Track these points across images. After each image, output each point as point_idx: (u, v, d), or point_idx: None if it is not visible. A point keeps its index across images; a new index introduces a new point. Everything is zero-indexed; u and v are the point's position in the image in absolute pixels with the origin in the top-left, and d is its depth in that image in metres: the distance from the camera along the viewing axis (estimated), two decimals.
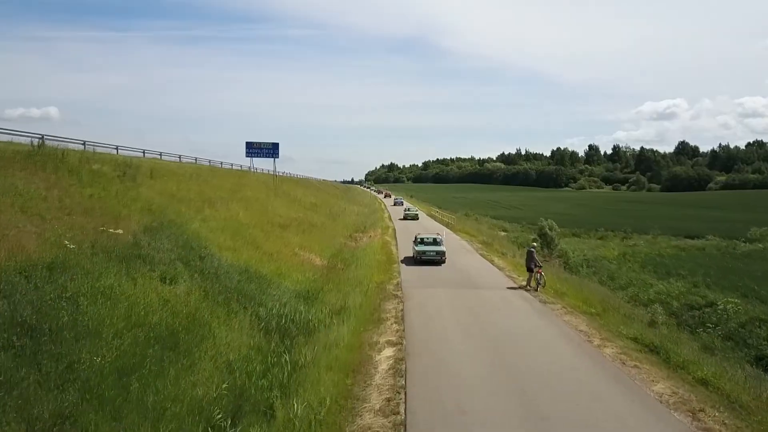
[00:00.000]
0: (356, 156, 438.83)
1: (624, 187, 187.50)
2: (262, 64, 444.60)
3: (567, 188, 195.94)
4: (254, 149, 46.82)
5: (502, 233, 44.89)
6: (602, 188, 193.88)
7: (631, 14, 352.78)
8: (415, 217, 50.72)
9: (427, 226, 41.82)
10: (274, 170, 49.06)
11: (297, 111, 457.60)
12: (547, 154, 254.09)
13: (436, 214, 51.63)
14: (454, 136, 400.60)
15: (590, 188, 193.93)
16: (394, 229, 39.49)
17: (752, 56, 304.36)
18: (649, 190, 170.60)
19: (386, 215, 56.01)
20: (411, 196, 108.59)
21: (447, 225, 42.32)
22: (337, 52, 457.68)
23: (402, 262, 23.84)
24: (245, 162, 48.84)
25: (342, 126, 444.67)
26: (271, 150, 46.93)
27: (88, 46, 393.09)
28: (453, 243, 29.75)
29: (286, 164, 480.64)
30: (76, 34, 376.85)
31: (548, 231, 30.42)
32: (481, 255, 25.59)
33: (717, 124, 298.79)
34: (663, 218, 54.31)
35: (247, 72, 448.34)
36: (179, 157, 36.30)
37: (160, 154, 36.16)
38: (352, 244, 32.53)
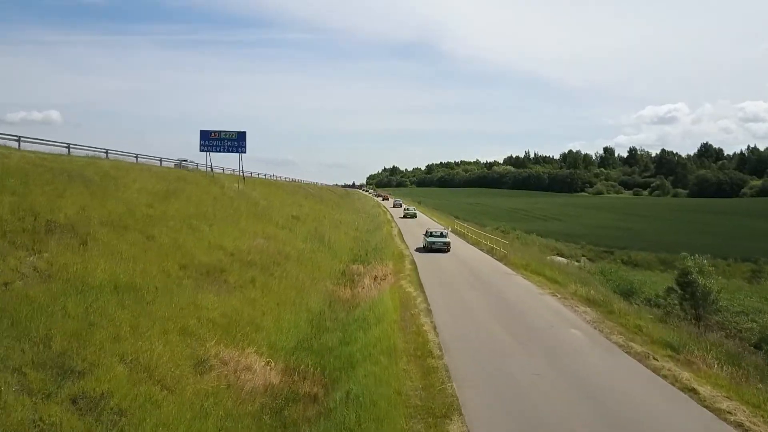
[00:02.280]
0: (358, 159, 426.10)
1: (645, 192, 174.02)
2: (264, 67, 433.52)
3: (583, 193, 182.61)
4: (212, 141, 33.32)
5: (575, 263, 31.21)
6: (621, 193, 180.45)
7: (631, 18, 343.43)
8: (414, 216, 59.10)
9: (425, 222, 46.79)
10: (240, 170, 35.48)
11: (298, 114, 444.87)
12: (553, 157, 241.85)
13: (467, 232, 37.55)
14: (454, 139, 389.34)
15: (608, 193, 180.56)
16: (414, 262, 25.35)
17: (753, 60, 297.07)
18: (675, 195, 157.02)
19: (395, 231, 42.33)
20: (419, 203, 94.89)
21: (491, 251, 28.59)
22: (340, 55, 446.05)
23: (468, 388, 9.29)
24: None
25: (343, 129, 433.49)
26: (235, 142, 33.42)
27: (90, 49, 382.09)
28: (533, 303, 16.11)
29: (286, 168, 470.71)
30: (78, 37, 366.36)
31: (697, 277, 16.63)
32: (625, 350, 11.29)
33: (718, 129, 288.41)
34: (762, 235, 41.02)
35: (249, 75, 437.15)
36: (68, 148, 22.80)
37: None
38: (346, 295, 18.94)
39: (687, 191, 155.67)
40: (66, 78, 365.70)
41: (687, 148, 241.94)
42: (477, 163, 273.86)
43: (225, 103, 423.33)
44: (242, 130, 33.58)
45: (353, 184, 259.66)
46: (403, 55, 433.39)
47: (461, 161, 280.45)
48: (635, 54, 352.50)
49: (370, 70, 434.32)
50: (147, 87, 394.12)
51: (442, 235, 31.07)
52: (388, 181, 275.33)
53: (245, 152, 33.66)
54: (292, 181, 77.56)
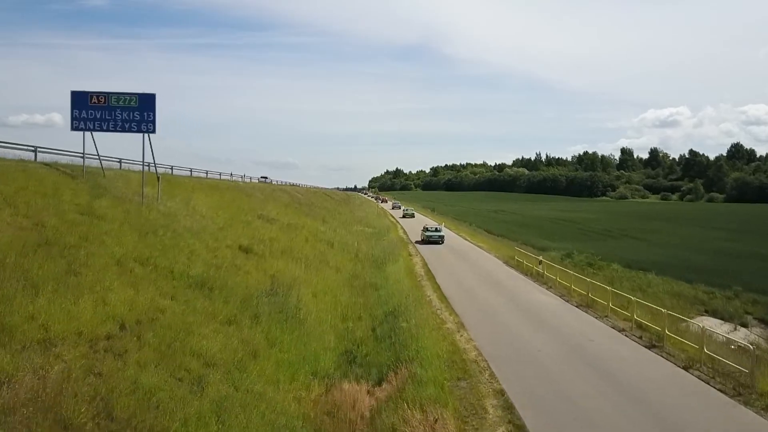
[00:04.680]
0: (360, 162, 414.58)
1: (674, 196, 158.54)
2: (267, 70, 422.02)
3: (604, 197, 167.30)
4: (93, 112, 18.22)
5: (743, 330, 16.08)
6: (647, 197, 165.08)
7: (633, 21, 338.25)
8: (412, 215, 67.04)
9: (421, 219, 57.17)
10: (145, 162, 20.20)
11: (301, 117, 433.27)
12: (566, 159, 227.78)
13: (554, 274, 21.70)
14: (456, 142, 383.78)
15: (633, 197, 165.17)
16: (513, 410, 9.34)
17: (755, 64, 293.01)
18: (711, 200, 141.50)
19: (418, 261, 27.00)
20: (433, 210, 79.85)
21: (656, 344, 12.65)
22: (342, 58, 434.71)
23: None
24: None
25: (345, 132, 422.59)
26: (135, 113, 18.36)
27: (93, 53, 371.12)
28: None
29: (288, 171, 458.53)
30: (81, 41, 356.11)
31: None
32: None
33: (720, 132, 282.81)
34: None
35: (252, 79, 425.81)
36: None
37: None
38: None
39: (724, 195, 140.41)
40: (69, 81, 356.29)
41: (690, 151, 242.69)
42: (485, 165, 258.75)
43: (228, 106, 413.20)
44: (148, 93, 18.53)
45: (354, 187, 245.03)
46: (405, 57, 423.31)
47: (467, 164, 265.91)
48: (637, 57, 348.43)
49: (372, 72, 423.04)
50: (149, 90, 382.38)
51: (437, 230, 38.12)
52: (392, 184, 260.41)
53: (154, 131, 18.60)
54: (291, 184, 62.73)
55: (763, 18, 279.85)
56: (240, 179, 44.20)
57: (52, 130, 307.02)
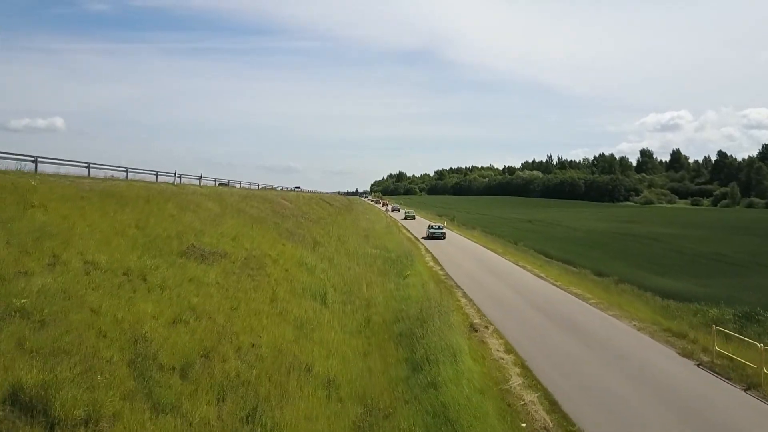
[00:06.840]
0: (362, 166, 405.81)
1: (706, 201, 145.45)
2: (269, 74, 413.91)
3: (628, 202, 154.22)
4: None
5: None
6: (674, 203, 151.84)
7: (635, 26, 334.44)
8: (413, 218, 73.37)
9: (422, 221, 62.73)
10: None
11: (303, 121, 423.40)
12: (578, 161, 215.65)
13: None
14: (458, 146, 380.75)
15: (659, 202, 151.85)
16: None
17: (756, 67, 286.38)
18: (750, 205, 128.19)
19: (506, 364, 13.22)
20: (452, 219, 66.68)
21: None
22: (346, 63, 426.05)
23: None
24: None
25: (348, 136, 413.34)
26: None
27: (96, 57, 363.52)
28: None
29: (289, 175, 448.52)
30: (83, 45, 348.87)
31: None
32: None
33: (721, 136, 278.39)
34: None
35: (255, 83, 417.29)
36: None
37: None
38: None
39: (766, 201, 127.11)
40: (71, 85, 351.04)
41: (691, 155, 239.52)
42: (492, 168, 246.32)
43: (229, 110, 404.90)
44: None
45: (356, 191, 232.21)
46: (408, 62, 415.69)
47: (473, 167, 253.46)
48: (638, 61, 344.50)
49: (374, 77, 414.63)
50: (152, 94, 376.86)
51: (439, 228, 46.25)
52: (395, 188, 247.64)
53: None
54: (297, 190, 49.78)
55: (763, 21, 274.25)
56: (198, 180, 31.20)
57: (54, 135, 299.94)
